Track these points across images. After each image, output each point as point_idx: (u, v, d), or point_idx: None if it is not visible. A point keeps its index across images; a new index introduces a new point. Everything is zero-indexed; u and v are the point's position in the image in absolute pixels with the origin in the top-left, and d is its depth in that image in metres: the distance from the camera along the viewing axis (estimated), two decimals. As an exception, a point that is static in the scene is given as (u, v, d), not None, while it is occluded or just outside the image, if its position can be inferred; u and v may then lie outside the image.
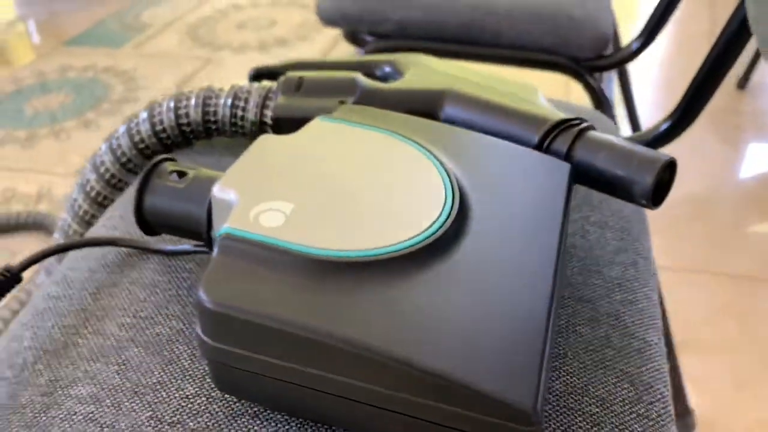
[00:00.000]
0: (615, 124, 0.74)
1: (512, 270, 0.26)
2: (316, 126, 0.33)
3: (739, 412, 0.85)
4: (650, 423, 0.30)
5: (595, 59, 0.71)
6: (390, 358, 0.22)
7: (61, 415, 0.29)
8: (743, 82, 1.53)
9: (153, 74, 1.78)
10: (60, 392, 0.30)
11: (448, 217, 0.27)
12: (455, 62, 0.45)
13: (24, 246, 1.18)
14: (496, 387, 0.21)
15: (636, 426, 0.29)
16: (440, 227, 0.26)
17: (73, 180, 1.36)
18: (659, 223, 1.17)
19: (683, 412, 0.79)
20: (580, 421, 0.28)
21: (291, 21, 2.08)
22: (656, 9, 0.69)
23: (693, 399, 0.85)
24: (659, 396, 0.31)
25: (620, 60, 0.71)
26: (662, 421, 0.30)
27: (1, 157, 1.44)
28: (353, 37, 0.79)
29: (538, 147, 0.34)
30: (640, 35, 0.70)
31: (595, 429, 0.28)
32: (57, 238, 0.50)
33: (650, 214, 1.13)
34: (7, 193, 1.33)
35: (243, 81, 1.71)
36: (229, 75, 1.77)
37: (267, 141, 0.31)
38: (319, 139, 0.31)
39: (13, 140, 1.51)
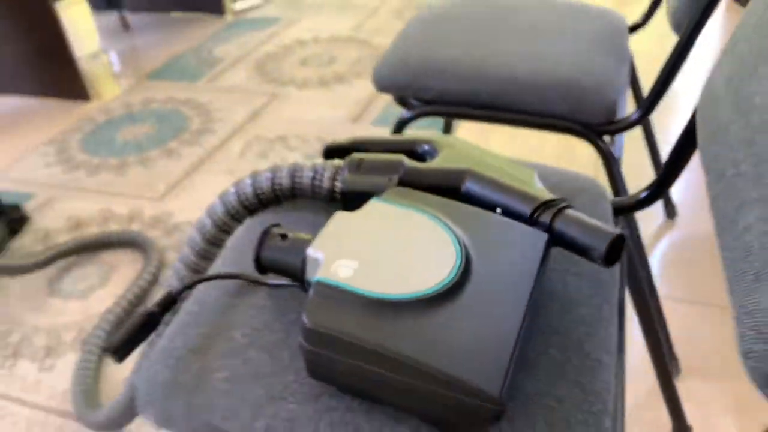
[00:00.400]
0: (622, 180, 0.87)
1: (497, 305, 0.41)
2: (372, 206, 0.49)
3: (735, 428, 0.95)
4: (591, 415, 0.44)
5: (604, 125, 0.85)
6: (416, 361, 0.37)
7: (207, 390, 0.45)
8: None
9: (227, 107, 2.00)
10: (205, 376, 0.46)
11: (456, 273, 0.42)
12: (478, 146, 0.60)
13: (119, 260, 1.39)
14: (479, 380, 0.37)
15: (580, 416, 0.44)
16: (450, 280, 0.42)
17: (159, 204, 1.57)
18: (681, 259, 1.27)
19: (682, 428, 0.91)
20: (540, 411, 0.43)
21: (349, 57, 2.27)
22: (655, 83, 0.82)
23: (694, 418, 0.96)
24: (602, 399, 0.46)
25: (623, 127, 0.84)
26: (600, 414, 0.45)
27: (99, 182, 1.67)
28: (402, 101, 0.95)
29: (530, 218, 0.49)
30: (641, 106, 0.84)
31: (551, 416, 0.43)
32: (178, 267, 0.67)
33: (675, 253, 1.23)
34: (104, 213, 1.55)
35: (306, 116, 1.91)
36: (293, 109, 1.96)
37: (340, 217, 0.47)
38: (374, 216, 0.47)
39: (107, 167, 1.74)
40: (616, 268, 0.58)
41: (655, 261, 1.27)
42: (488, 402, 0.37)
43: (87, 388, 1.05)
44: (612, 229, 0.47)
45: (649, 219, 1.39)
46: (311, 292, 0.41)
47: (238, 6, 2.83)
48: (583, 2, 1.12)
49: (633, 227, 0.87)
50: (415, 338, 0.38)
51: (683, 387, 1.01)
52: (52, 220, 1.56)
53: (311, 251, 0.45)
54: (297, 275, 0.47)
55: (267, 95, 2.06)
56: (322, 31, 2.51)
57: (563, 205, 0.50)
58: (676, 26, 0.82)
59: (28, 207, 1.59)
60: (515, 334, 0.40)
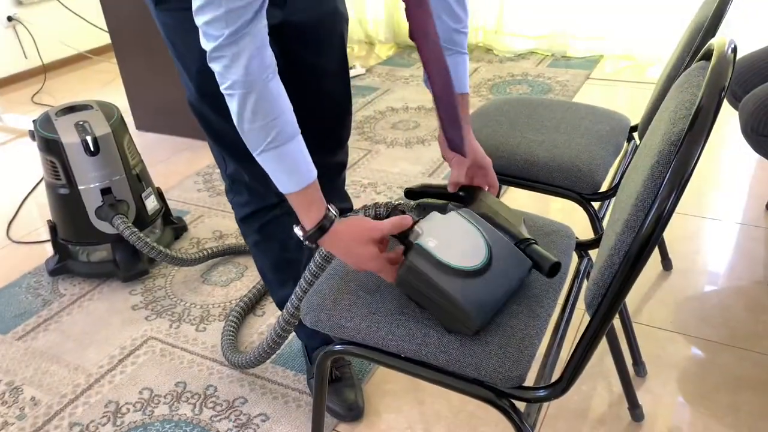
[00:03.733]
0: (601, 229, 1.29)
1: (502, 282, 0.86)
2: (451, 214, 0.95)
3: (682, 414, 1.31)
4: (527, 335, 0.87)
5: (592, 195, 1.28)
6: (456, 298, 0.83)
7: (338, 308, 0.93)
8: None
9: (330, 157, 2.55)
10: (337, 302, 0.94)
11: (487, 260, 0.87)
12: (497, 199, 1.05)
13: (250, 262, 1.92)
14: (478, 317, 0.82)
15: (520, 334, 0.87)
16: (481, 265, 0.86)
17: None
18: (666, 297, 1.64)
19: (634, 406, 1.29)
20: (501, 329, 0.87)
21: (430, 125, 2.79)
22: (624, 171, 1.25)
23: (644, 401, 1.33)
24: (534, 329, 0.89)
25: (604, 197, 1.27)
26: (532, 335, 0.88)
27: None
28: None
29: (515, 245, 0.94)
30: (613, 186, 1.27)
31: (506, 331, 0.87)
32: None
33: (663, 293, 1.57)
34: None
35: (392, 169, 2.41)
36: (382, 163, 2.48)
37: (432, 216, 0.94)
38: (449, 220, 0.93)
39: (241, 196, 2.31)
40: (566, 279, 1.02)
41: (645, 297, 1.65)
42: (472, 326, 0.82)
43: (232, 341, 1.56)
44: (551, 258, 0.90)
45: (650, 269, 1.77)
46: (412, 250, 0.87)
47: (353, 72, 3.44)
48: (598, 107, 1.56)
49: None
50: (457, 287, 0.83)
51: (645, 384, 1.39)
52: (202, 231, 2.12)
53: (417, 226, 0.91)
54: (403, 236, 0.92)
55: (363, 150, 2.59)
56: (411, 101, 3.05)
57: (531, 242, 0.93)
58: (639, 132, 1.25)
59: (187, 218, 2.17)
60: (504, 297, 0.85)
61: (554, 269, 0.90)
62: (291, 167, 0.89)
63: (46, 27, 3.87)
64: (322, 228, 0.90)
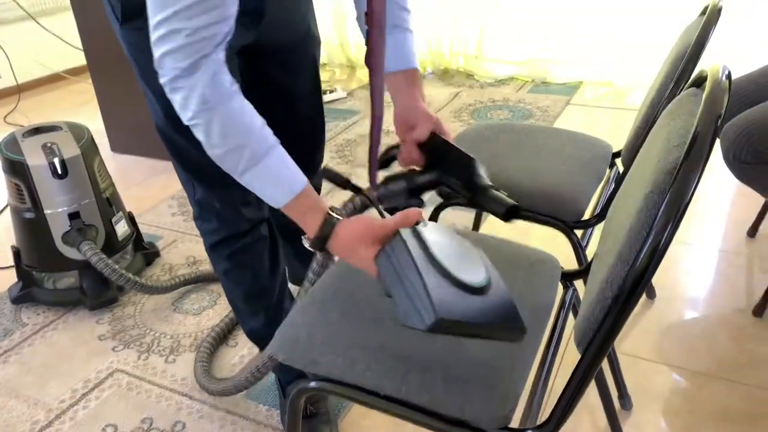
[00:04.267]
0: (585, 258, 1.26)
1: (483, 309, 0.79)
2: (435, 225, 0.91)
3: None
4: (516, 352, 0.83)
5: (573, 223, 1.25)
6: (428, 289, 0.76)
7: (311, 344, 0.87)
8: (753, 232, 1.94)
9: (309, 181, 2.50)
10: (310, 338, 0.88)
11: (481, 286, 0.79)
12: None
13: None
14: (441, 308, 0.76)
15: (500, 380, 0.82)
16: (479, 285, 0.80)
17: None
18: (649, 326, 1.61)
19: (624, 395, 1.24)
20: (481, 370, 0.82)
21: (411, 148, 2.76)
22: (608, 199, 1.22)
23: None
24: (516, 373, 0.84)
25: (588, 225, 1.24)
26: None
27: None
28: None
29: None
30: (597, 214, 1.24)
31: (484, 378, 0.82)
32: None
33: (647, 321, 1.54)
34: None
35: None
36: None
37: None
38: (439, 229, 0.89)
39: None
40: (551, 311, 0.97)
41: (628, 325, 1.61)
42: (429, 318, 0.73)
43: (206, 370, 1.48)
44: (512, 201, 0.90)
45: (637, 299, 1.74)
46: (412, 229, 0.81)
47: (326, 98, 3.41)
48: (579, 133, 1.54)
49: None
50: (434, 281, 0.72)
51: (631, 418, 1.34)
52: (175, 256, 2.05)
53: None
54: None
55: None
56: (392, 125, 3.02)
57: (492, 187, 0.93)
58: (622, 158, 1.23)
59: (158, 246, 2.10)
60: (472, 324, 0.79)
61: (511, 213, 0.88)
62: (276, 179, 0.85)
63: (21, 46, 3.79)
64: (324, 234, 0.84)
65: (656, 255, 0.61)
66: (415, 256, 0.73)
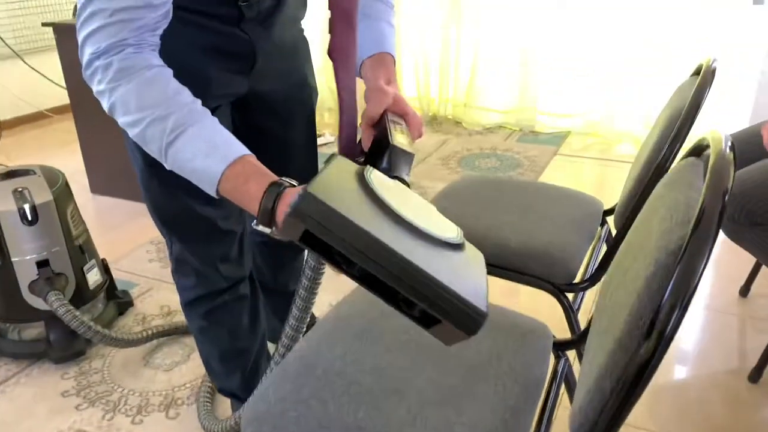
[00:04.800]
0: (577, 323, 1.20)
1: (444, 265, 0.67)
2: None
3: None
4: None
5: (565, 285, 1.19)
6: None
7: (283, 422, 0.80)
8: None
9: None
10: (281, 414, 0.81)
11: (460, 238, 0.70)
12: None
13: (199, 345, 1.76)
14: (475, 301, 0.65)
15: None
16: (459, 240, 0.70)
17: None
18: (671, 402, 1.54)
19: None
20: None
21: (398, 196, 2.72)
22: (601, 262, 1.18)
23: None
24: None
25: (580, 289, 1.19)
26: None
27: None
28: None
29: None
30: (591, 276, 1.19)
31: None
32: None
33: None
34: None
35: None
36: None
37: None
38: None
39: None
40: (543, 384, 0.91)
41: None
42: (479, 315, 0.57)
43: (209, 411, 1.39)
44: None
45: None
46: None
47: (322, 140, 3.39)
48: (570, 189, 1.51)
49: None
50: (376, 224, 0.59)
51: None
52: (149, 306, 1.97)
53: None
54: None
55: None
56: (379, 171, 2.99)
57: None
58: (615, 222, 1.19)
59: (133, 293, 2.01)
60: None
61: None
62: (207, 148, 0.71)
63: (4, 83, 3.75)
64: (270, 202, 0.67)
65: (662, 343, 0.55)
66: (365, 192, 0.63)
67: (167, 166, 0.74)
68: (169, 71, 0.75)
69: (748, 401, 1.51)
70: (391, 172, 0.76)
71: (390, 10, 0.98)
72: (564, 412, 1.12)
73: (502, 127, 3.60)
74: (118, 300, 1.91)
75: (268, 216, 0.68)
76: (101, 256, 1.87)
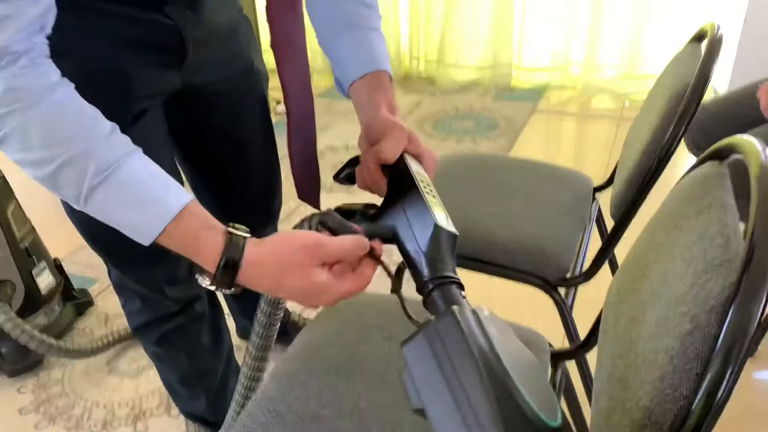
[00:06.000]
0: (572, 324, 1.11)
1: None
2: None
3: None
4: None
5: (558, 281, 1.10)
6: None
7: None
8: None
9: (263, 208, 2.30)
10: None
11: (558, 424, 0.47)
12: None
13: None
14: None
15: None
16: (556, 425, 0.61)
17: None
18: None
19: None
20: None
21: (372, 165, 2.58)
22: (597, 256, 1.08)
23: None
24: None
25: (573, 284, 1.09)
26: None
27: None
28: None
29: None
30: (586, 271, 1.09)
31: None
32: None
33: None
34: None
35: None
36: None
37: None
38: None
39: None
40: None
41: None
42: None
43: None
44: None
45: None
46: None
47: (280, 108, 3.20)
48: (556, 166, 1.39)
49: (584, 366, 1.09)
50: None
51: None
52: (111, 303, 1.83)
53: None
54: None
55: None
56: (352, 138, 2.84)
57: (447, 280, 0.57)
58: (612, 212, 1.08)
59: (93, 291, 1.88)
60: None
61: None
62: (141, 197, 0.58)
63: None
64: (231, 262, 0.57)
65: (708, 419, 0.45)
66: (480, 361, 0.45)
67: (86, 211, 0.60)
68: (73, 91, 0.59)
69: None
70: (436, 265, 0.57)
71: (375, 14, 0.80)
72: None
73: (477, 84, 3.45)
74: (76, 301, 1.77)
75: (226, 284, 0.58)
76: (54, 255, 1.73)
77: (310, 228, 0.69)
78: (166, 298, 0.99)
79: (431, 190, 0.66)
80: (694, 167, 0.67)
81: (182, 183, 1.03)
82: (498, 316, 0.50)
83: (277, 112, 3.19)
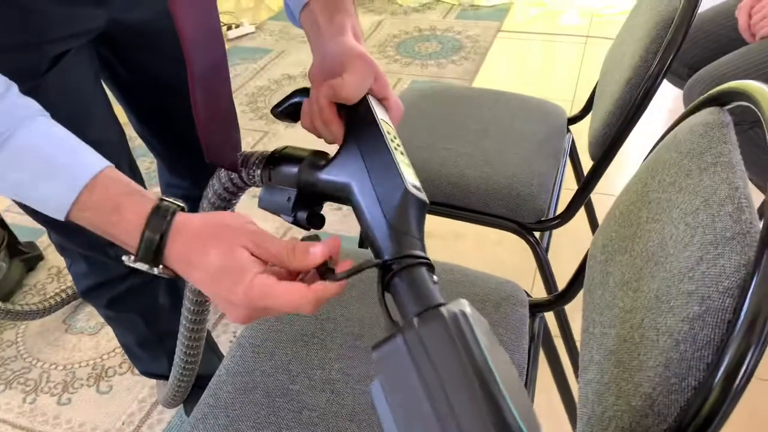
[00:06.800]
0: (549, 269, 1.07)
1: None
2: None
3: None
4: None
5: (534, 224, 1.05)
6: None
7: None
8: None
9: (219, 145, 2.17)
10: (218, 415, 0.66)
11: None
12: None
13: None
14: None
15: None
16: None
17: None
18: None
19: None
20: None
21: (333, 95, 2.45)
22: (573, 198, 1.03)
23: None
24: None
25: (549, 227, 1.04)
26: None
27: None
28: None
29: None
30: (562, 214, 1.04)
31: None
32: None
33: None
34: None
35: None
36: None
37: None
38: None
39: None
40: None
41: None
42: None
43: None
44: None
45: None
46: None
47: (231, 34, 2.99)
48: (530, 98, 1.31)
49: (562, 316, 1.07)
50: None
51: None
52: (63, 257, 1.73)
53: None
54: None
55: (258, 132, 2.24)
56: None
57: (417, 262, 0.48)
58: (591, 151, 1.02)
59: (42, 243, 1.76)
60: None
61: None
62: (42, 164, 0.47)
63: None
64: (156, 230, 0.47)
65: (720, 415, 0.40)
66: (476, 380, 0.38)
67: None
68: None
69: None
70: (402, 240, 0.48)
71: None
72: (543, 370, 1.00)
73: (441, 2, 3.27)
74: (25, 255, 1.66)
75: (152, 254, 0.48)
76: (-8, 208, 1.60)
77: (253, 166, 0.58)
78: (114, 260, 0.90)
79: (399, 145, 0.55)
80: (690, 112, 0.60)
81: (122, 132, 0.93)
82: (478, 313, 0.43)
83: (229, 38, 2.98)
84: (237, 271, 0.45)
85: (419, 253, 0.48)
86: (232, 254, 0.46)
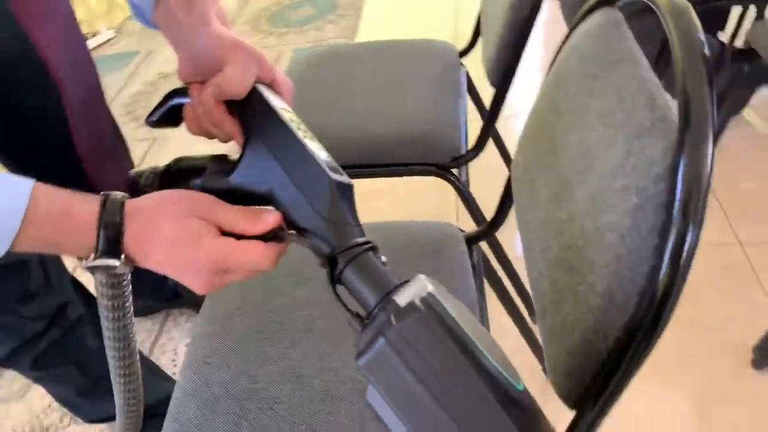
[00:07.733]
0: (474, 204, 1.08)
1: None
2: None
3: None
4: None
5: (451, 162, 1.05)
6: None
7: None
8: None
9: (108, 162, 2.03)
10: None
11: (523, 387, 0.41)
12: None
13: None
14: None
15: None
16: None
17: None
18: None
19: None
20: None
21: (216, 83, 2.34)
22: (483, 127, 1.04)
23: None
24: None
25: (465, 161, 1.05)
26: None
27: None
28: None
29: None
30: (476, 145, 1.05)
31: None
32: None
33: None
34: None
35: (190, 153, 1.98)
36: (175, 152, 2.03)
37: None
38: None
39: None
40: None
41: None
42: None
43: None
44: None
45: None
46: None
47: (90, 43, 2.77)
48: (414, 40, 1.30)
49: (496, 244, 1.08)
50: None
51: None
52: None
53: None
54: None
55: (146, 141, 2.11)
56: (183, 59, 2.54)
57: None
58: (491, 78, 1.03)
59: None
60: None
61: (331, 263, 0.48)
62: None
63: None
64: (111, 224, 0.43)
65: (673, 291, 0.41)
66: (466, 358, 0.38)
67: None
68: None
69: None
70: (342, 231, 0.46)
71: None
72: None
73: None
74: None
75: (113, 243, 0.44)
76: None
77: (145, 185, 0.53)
78: (25, 318, 0.82)
79: (304, 130, 0.52)
80: (582, 18, 0.61)
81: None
82: (435, 281, 0.43)
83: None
84: (193, 237, 0.44)
85: (361, 240, 0.46)
86: (184, 223, 0.45)
